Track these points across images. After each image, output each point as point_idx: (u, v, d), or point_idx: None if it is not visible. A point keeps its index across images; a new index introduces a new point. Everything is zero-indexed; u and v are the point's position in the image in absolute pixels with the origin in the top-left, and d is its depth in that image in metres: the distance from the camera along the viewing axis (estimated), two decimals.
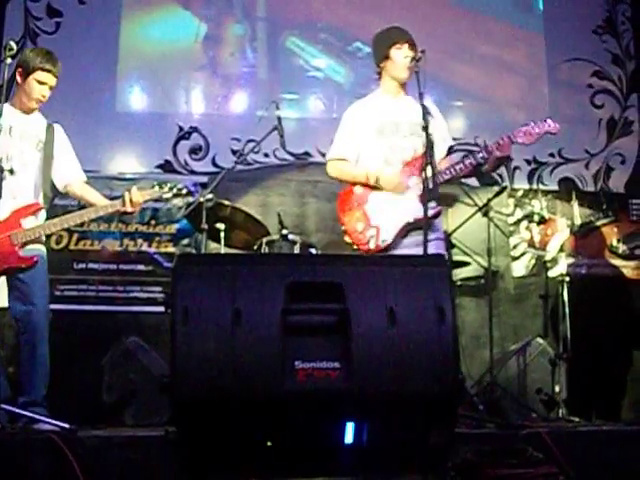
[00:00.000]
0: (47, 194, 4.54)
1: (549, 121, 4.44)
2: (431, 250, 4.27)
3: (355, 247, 4.42)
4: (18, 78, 4.42)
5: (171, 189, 4.60)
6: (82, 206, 4.66)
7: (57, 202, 4.84)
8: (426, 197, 3.95)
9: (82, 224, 4.89)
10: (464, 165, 4.39)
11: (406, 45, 4.50)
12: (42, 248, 4.49)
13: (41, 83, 4.43)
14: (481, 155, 4.38)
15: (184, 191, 4.69)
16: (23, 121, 4.50)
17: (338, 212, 4.51)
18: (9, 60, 4.13)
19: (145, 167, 6.64)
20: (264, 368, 2.67)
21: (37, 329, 4.32)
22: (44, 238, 4.52)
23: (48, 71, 4.41)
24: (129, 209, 4.50)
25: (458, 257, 5.90)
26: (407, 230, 4.35)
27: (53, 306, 4.63)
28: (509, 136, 4.38)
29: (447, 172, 4.36)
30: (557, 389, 5.33)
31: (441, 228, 4.63)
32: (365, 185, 4.45)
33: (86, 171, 4.81)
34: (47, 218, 4.53)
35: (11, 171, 4.09)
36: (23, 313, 4.34)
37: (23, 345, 4.34)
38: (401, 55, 4.49)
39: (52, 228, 4.47)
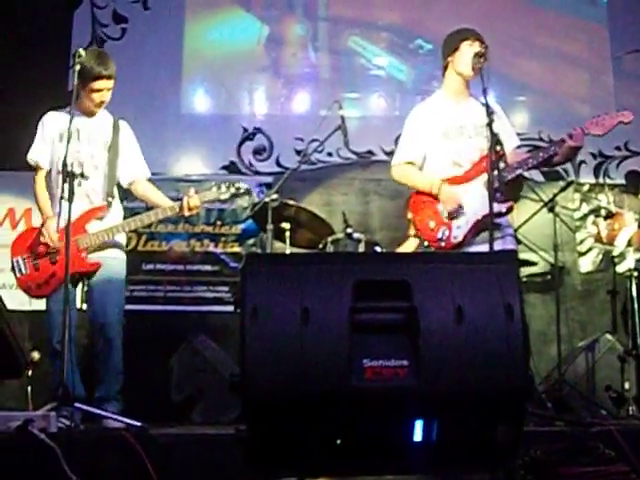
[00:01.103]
0: (113, 194, 4.61)
1: (623, 112, 4.37)
2: (504, 246, 4.30)
3: (426, 244, 4.43)
4: (78, 84, 4.41)
5: (228, 188, 4.64)
6: (149, 208, 4.73)
7: (125, 205, 4.91)
8: (492, 194, 3.97)
9: (149, 225, 4.96)
10: (536, 160, 4.35)
11: (477, 42, 4.47)
12: (119, 252, 4.59)
13: (99, 90, 4.48)
14: (553, 148, 4.34)
15: (242, 190, 4.71)
16: (89, 124, 4.58)
17: (410, 210, 4.52)
18: (78, 67, 4.22)
19: (210, 168, 6.73)
20: (332, 366, 2.68)
21: (112, 329, 4.42)
22: (124, 242, 4.62)
23: (102, 77, 4.44)
24: (187, 213, 4.57)
25: (524, 254, 5.84)
26: (479, 227, 4.33)
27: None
28: (582, 127, 4.32)
29: (519, 167, 4.33)
30: (627, 386, 5.25)
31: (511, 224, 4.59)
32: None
33: (153, 173, 4.90)
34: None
35: (83, 175, 4.18)
36: (98, 314, 4.44)
37: (99, 345, 4.45)
38: (471, 50, 4.45)
39: (115, 232, 4.54)
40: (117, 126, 4.67)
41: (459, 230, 4.35)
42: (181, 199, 4.59)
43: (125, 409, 4.32)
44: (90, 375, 4.49)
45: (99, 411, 4.07)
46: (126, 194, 4.83)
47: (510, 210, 4.35)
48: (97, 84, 4.46)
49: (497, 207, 4.16)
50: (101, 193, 4.55)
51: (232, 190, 4.65)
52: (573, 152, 4.39)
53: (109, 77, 4.47)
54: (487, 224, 4.11)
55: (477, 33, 4.56)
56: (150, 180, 4.80)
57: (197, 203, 4.55)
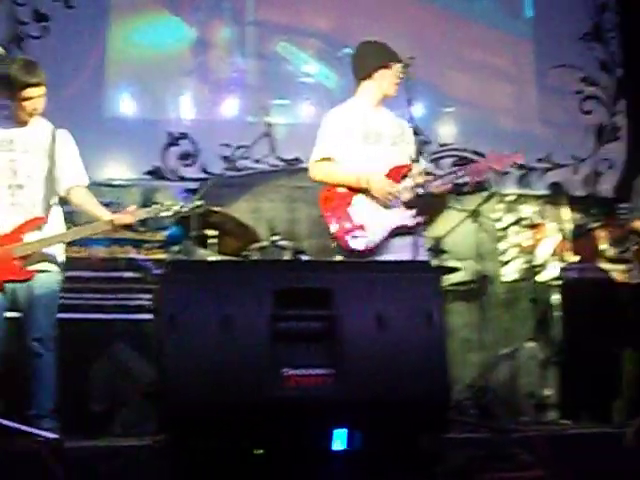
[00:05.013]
0: (51, 204, 4.49)
1: (519, 154, 4.53)
2: (416, 257, 4.26)
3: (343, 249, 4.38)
4: (5, 92, 4.33)
5: (168, 208, 4.60)
6: None
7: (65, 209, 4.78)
8: (413, 202, 4.03)
9: None
10: (446, 181, 4.41)
11: (399, 65, 4.47)
12: (52, 266, 4.44)
13: (29, 98, 4.34)
14: (466, 179, 4.42)
15: (184, 209, 4.66)
16: (24, 132, 4.43)
17: (323, 213, 4.44)
18: None
19: (134, 173, 6.60)
20: (253, 375, 2.66)
21: (44, 344, 4.30)
22: (59, 256, 4.49)
23: (35, 85, 4.33)
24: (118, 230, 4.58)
25: (448, 262, 5.89)
26: (394, 234, 4.33)
27: None
28: (483, 161, 4.51)
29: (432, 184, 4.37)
30: (548, 392, 5.34)
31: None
32: (350, 187, 4.42)
33: None
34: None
35: (20, 186, 4.11)
36: (30, 328, 4.31)
37: (31, 360, 4.31)
38: (393, 73, 4.48)
39: (52, 242, 4.41)
40: (55, 134, 4.55)
41: (374, 235, 4.29)
42: (105, 204, 4.51)
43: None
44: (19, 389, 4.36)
45: (11, 423, 3.93)
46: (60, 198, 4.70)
47: (421, 224, 4.38)
48: (26, 92, 4.32)
49: (412, 220, 4.25)
50: (39, 203, 4.42)
51: (176, 208, 4.60)
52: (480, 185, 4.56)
53: (38, 84, 4.35)
54: (400, 231, 4.21)
55: (395, 54, 4.54)
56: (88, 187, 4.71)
57: (127, 221, 4.52)
